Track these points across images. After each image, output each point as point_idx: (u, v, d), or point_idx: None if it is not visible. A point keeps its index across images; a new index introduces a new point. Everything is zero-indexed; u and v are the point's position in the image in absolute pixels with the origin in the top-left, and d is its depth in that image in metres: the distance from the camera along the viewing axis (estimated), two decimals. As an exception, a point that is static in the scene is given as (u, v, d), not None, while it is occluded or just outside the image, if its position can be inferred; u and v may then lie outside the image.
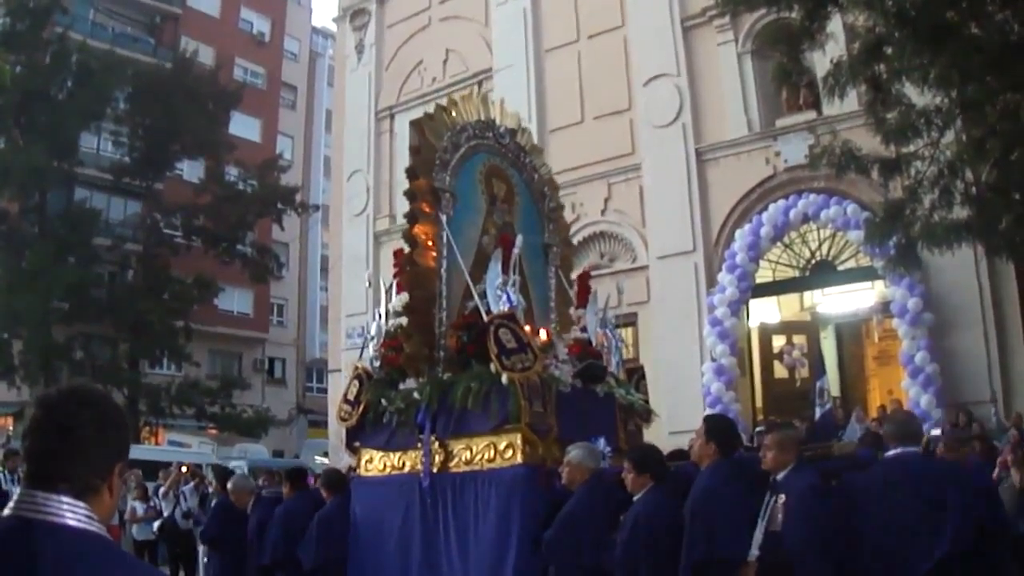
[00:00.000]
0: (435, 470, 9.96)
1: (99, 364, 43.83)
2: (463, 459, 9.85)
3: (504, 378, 9.46)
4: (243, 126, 53.55)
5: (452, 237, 10.77)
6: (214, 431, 47.46)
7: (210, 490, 23.46)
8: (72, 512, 2.75)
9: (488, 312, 10.00)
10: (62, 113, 42.02)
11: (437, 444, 9.99)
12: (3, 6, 43.90)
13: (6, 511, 2.80)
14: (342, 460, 19.24)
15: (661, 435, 14.55)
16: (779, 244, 24.74)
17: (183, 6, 57.73)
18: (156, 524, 22.26)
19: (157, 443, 45.63)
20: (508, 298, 9.94)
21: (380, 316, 11.37)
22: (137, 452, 35.85)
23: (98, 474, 2.88)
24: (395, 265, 11.14)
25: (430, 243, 10.76)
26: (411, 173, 11.09)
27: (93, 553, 2.73)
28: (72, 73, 43.22)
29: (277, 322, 60.88)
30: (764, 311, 26.15)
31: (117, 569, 2.75)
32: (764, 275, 24.93)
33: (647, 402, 11.90)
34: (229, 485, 13.80)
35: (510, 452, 9.55)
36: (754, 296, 24.96)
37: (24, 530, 2.71)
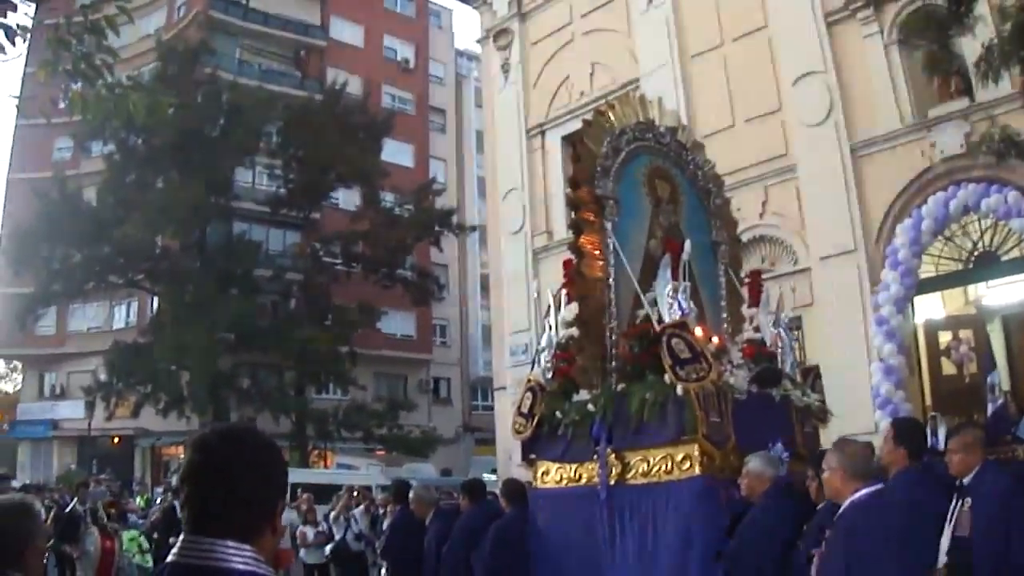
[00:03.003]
0: (612, 483, 9.87)
1: (266, 392, 44.64)
2: (640, 471, 9.78)
3: (679, 389, 9.42)
4: (395, 152, 54.39)
5: (618, 244, 10.68)
6: (382, 452, 48.15)
7: (380, 511, 23.84)
8: (238, 556, 2.83)
9: (660, 321, 9.94)
10: (216, 150, 43.26)
11: (613, 456, 9.91)
12: (152, 52, 45.29)
13: (171, 557, 2.90)
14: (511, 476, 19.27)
15: (831, 440, 14.39)
16: (940, 237, 24.25)
17: (326, 38, 59.01)
18: (328, 548, 22.65)
19: (326, 466, 46.56)
20: (679, 305, 9.87)
21: (550, 327, 11.37)
22: (307, 476, 36.58)
23: (261, 515, 2.95)
24: (564, 276, 11.11)
25: (596, 252, 10.68)
26: (572, 183, 11.06)
27: None
28: (223, 111, 44.33)
29: (440, 343, 61.80)
30: (929, 307, 25.65)
31: None
32: (927, 270, 24.45)
33: (823, 402, 11.72)
34: (411, 495, 13.87)
35: (688, 464, 9.45)
36: (918, 293, 24.49)
37: None
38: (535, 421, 10.87)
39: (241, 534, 2.86)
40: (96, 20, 7.31)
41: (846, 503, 6.75)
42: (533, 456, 11.23)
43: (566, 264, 11.02)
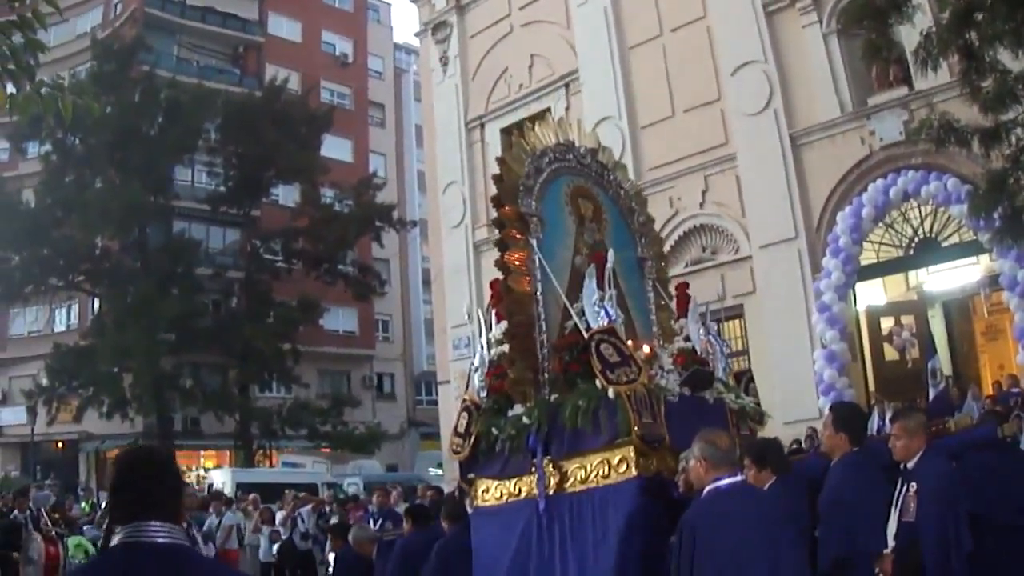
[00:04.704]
0: (551, 492, 9.78)
1: (209, 391, 44.35)
2: (578, 478, 9.65)
3: (611, 392, 9.28)
4: (335, 147, 54.07)
5: (545, 260, 10.60)
6: (327, 450, 47.92)
7: (327, 510, 23.98)
8: (170, 533, 3.66)
9: (588, 329, 9.85)
10: (155, 149, 42.82)
11: (551, 466, 9.81)
12: (89, 50, 44.79)
13: (122, 538, 3.63)
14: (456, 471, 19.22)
15: (776, 426, 14.33)
16: (881, 224, 24.39)
17: (265, 34, 58.55)
18: (275, 547, 22.70)
19: (271, 465, 46.35)
20: (606, 313, 9.78)
21: (482, 346, 11.20)
22: (252, 475, 36.28)
23: (179, 504, 3.86)
24: (492, 294, 11.09)
25: (523, 268, 10.62)
26: (496, 201, 10.95)
27: (184, 559, 3.71)
28: (162, 109, 43.90)
29: (383, 338, 61.51)
30: (870, 293, 25.76)
31: (202, 571, 3.83)
32: (868, 257, 24.60)
33: (758, 404, 11.66)
34: (350, 537, 13.79)
35: (624, 466, 9.29)
36: (859, 279, 24.60)
37: (140, 550, 3.60)
38: (472, 440, 10.73)
39: (172, 517, 3.70)
40: (25, 16, 7.11)
41: (705, 490, 6.75)
42: (472, 475, 11.09)
43: (493, 283, 10.95)
